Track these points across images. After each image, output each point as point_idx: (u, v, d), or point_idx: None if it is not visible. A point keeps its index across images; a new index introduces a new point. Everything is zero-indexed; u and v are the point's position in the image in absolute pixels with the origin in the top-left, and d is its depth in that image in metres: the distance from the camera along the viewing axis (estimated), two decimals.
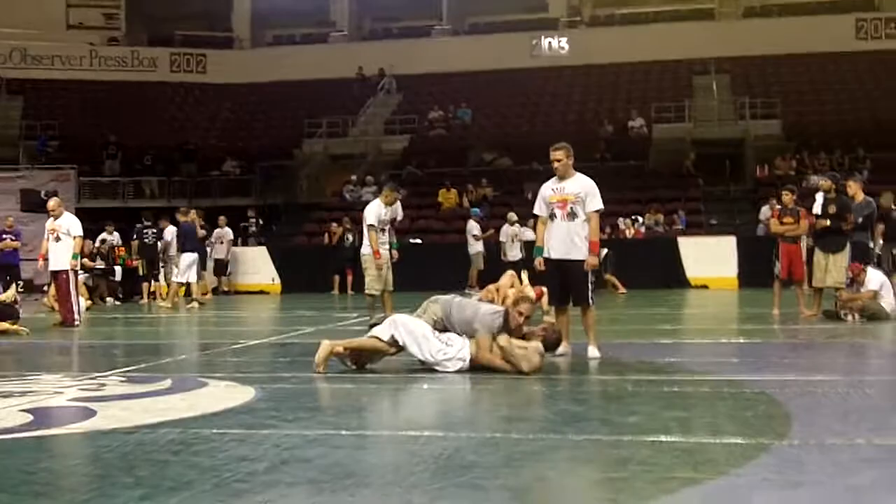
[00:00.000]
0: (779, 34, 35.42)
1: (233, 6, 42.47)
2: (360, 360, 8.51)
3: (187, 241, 20.63)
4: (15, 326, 13.63)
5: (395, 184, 16.20)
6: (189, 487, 4.40)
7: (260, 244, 26.47)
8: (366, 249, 13.41)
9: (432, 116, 35.00)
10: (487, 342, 8.18)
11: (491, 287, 10.51)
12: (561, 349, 9.29)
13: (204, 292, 22.75)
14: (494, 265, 22.32)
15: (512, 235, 23.03)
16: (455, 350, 8.20)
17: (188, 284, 20.61)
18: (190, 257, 20.37)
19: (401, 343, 8.28)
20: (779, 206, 15.22)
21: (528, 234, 22.31)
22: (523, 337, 8.36)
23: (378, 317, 12.61)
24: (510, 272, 11.51)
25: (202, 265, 21.55)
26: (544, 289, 10.40)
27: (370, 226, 13.27)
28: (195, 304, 19.92)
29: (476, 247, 23.77)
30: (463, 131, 34.57)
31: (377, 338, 8.38)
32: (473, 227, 23.98)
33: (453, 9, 41.43)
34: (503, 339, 8.16)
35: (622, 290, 21.38)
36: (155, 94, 38.92)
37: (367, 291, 13.45)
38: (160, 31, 42.27)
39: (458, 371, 8.13)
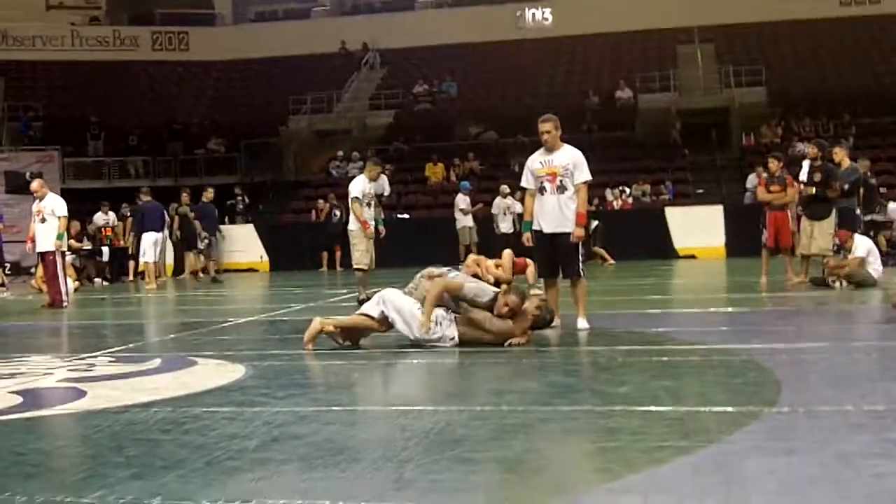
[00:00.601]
0: (763, 2, 35.35)
1: None
2: (352, 336, 8.49)
3: (149, 220, 20.59)
4: None
5: (378, 158, 16.11)
6: (180, 466, 4.40)
7: (247, 222, 26.39)
8: (353, 224, 13.36)
9: (417, 91, 34.89)
10: (454, 284, 8.23)
11: (473, 257, 10.36)
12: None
13: (193, 270, 22.78)
14: (486, 239, 22.36)
15: (504, 208, 23.02)
16: (442, 329, 8.15)
17: (147, 264, 20.36)
18: (152, 237, 20.28)
19: (390, 320, 8.26)
20: (766, 174, 15.22)
21: (519, 207, 22.29)
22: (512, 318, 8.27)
23: (369, 292, 12.60)
24: (508, 252, 11.48)
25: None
26: (529, 260, 10.38)
27: (354, 198, 13.23)
28: (154, 286, 19.69)
29: (463, 221, 23.67)
30: (449, 105, 34.48)
31: (367, 315, 8.34)
32: (461, 200, 23.90)
33: None
34: (480, 314, 8.13)
35: (611, 262, 21.44)
36: (137, 72, 38.72)
37: (356, 266, 13.35)
38: (141, 9, 41.92)
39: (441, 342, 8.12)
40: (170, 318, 14.27)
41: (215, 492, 3.94)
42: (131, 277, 22.23)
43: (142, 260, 20.61)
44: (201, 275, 22.71)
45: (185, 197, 23.13)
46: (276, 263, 25.29)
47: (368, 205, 13.37)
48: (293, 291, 17.45)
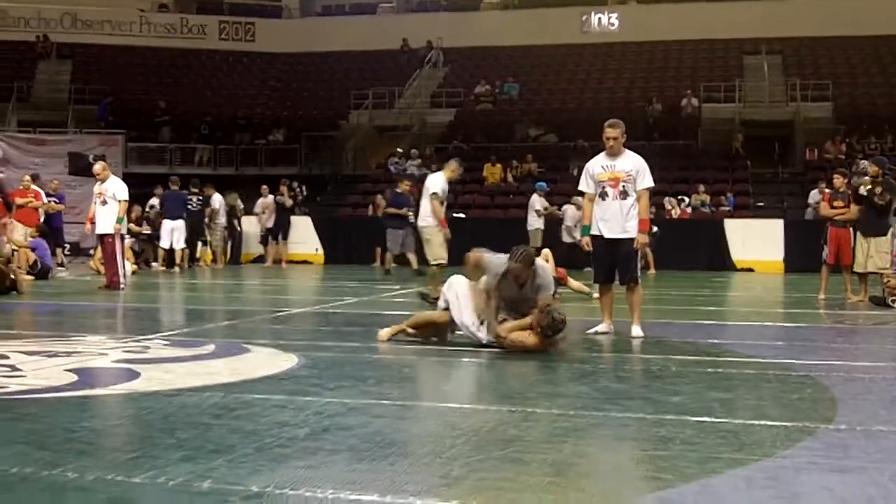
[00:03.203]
0: (832, 15, 34.80)
1: None
2: (426, 334, 8.49)
3: (170, 208, 21.51)
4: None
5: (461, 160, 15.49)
6: (230, 451, 4.42)
7: (305, 214, 26.51)
8: (429, 220, 12.93)
9: (479, 90, 34.83)
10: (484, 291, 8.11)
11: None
12: (604, 327, 9.27)
13: (277, 259, 23.81)
14: (552, 245, 21.94)
15: (577, 220, 22.47)
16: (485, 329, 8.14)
17: (172, 251, 21.40)
18: (170, 224, 21.18)
19: (448, 305, 8.25)
20: (830, 190, 15.00)
21: (573, 211, 22.05)
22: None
23: (427, 288, 12.57)
24: (547, 251, 11.34)
25: (198, 233, 22.58)
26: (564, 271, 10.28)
27: (434, 194, 12.89)
28: (176, 270, 20.92)
29: (536, 223, 22.52)
30: (509, 106, 34.38)
31: (434, 308, 8.43)
32: (536, 201, 22.80)
33: None
34: (503, 329, 8.01)
35: (652, 270, 20.97)
36: (203, 61, 39.08)
37: (435, 261, 12.85)
38: None
39: (489, 344, 8.06)
40: (225, 304, 14.38)
41: (264, 478, 3.96)
42: (187, 264, 22.46)
43: (165, 246, 21.45)
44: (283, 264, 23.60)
45: (283, 188, 24.30)
46: (331, 256, 25.37)
47: (442, 202, 13.12)
48: (347, 285, 17.51)
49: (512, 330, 7.96)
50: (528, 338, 7.87)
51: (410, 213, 19.01)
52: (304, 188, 27.82)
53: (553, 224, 22.59)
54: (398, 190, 21.06)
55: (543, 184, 23.81)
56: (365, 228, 24.85)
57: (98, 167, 15.79)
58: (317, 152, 32.36)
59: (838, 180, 14.36)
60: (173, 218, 21.31)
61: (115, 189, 15.19)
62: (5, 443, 4.60)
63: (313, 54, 38.98)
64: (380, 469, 4.16)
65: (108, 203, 15.11)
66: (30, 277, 15.27)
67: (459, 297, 8.19)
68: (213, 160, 32.49)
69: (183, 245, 21.50)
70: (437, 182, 13.07)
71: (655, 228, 20.29)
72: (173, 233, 21.28)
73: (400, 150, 29.97)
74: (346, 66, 38.07)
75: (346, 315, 11.42)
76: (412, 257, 19.57)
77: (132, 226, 20.47)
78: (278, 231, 24.10)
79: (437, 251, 12.87)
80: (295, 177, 28.66)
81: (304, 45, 39.18)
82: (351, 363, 7.38)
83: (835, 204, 14.19)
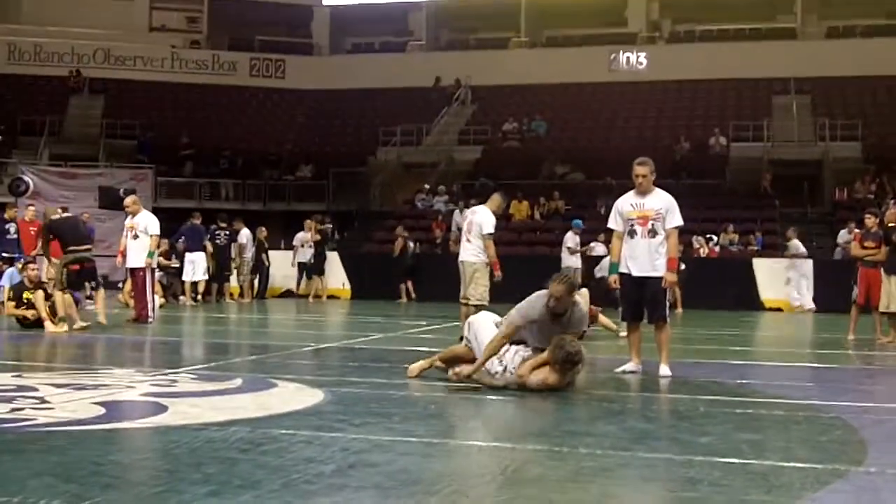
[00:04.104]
0: (861, 55, 34.70)
1: (313, 13, 42.83)
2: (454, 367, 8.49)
3: (192, 240, 22.00)
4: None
5: (503, 191, 14.41)
6: (257, 486, 4.42)
7: (332, 250, 26.60)
8: (479, 257, 12.40)
9: (506, 128, 34.94)
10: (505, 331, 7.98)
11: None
12: (632, 366, 9.21)
13: (317, 294, 24.19)
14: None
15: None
16: (503, 364, 7.93)
17: (195, 283, 21.91)
18: (191, 256, 21.69)
19: (470, 344, 8.25)
20: (860, 230, 14.93)
21: (599, 249, 21.97)
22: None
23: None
24: (585, 291, 11.24)
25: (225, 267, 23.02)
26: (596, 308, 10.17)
27: (489, 234, 12.44)
28: (199, 301, 21.59)
29: (569, 260, 21.88)
30: (536, 144, 34.44)
31: (462, 342, 8.47)
32: (570, 238, 22.36)
33: (531, 21, 41.37)
34: (525, 369, 7.81)
35: (680, 308, 20.80)
36: (233, 97, 39.42)
37: (478, 301, 12.17)
38: (241, 35, 42.81)
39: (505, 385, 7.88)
40: (252, 339, 14.42)
41: None
42: (215, 299, 22.55)
43: (186, 279, 21.79)
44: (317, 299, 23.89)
45: (312, 224, 24.60)
46: (358, 291, 25.42)
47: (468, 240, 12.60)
48: (373, 320, 17.52)
49: (532, 368, 7.79)
50: (550, 376, 7.74)
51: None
52: (333, 224, 27.90)
53: (589, 262, 22.10)
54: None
55: (579, 221, 23.25)
56: (390, 264, 24.90)
57: (129, 201, 15.92)
58: (344, 188, 32.49)
59: (870, 220, 14.30)
60: (192, 251, 21.69)
61: (146, 223, 15.30)
62: (33, 475, 4.62)
63: (342, 91, 39.23)
64: None
65: (140, 237, 15.23)
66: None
67: (479, 338, 8.13)
68: (242, 195, 32.70)
69: (201, 277, 21.82)
70: (489, 220, 12.52)
71: (683, 266, 20.22)
72: (193, 265, 21.66)
73: (427, 186, 30.07)
74: (375, 103, 38.28)
75: (372, 351, 11.42)
76: None
77: (161, 259, 20.58)
78: (318, 267, 24.45)
79: (482, 292, 12.36)
80: (325, 212, 28.78)
81: (333, 82, 39.47)
82: (377, 399, 7.37)
83: (865, 244, 14.13)
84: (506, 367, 7.89)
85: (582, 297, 9.69)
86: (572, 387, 7.93)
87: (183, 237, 22.08)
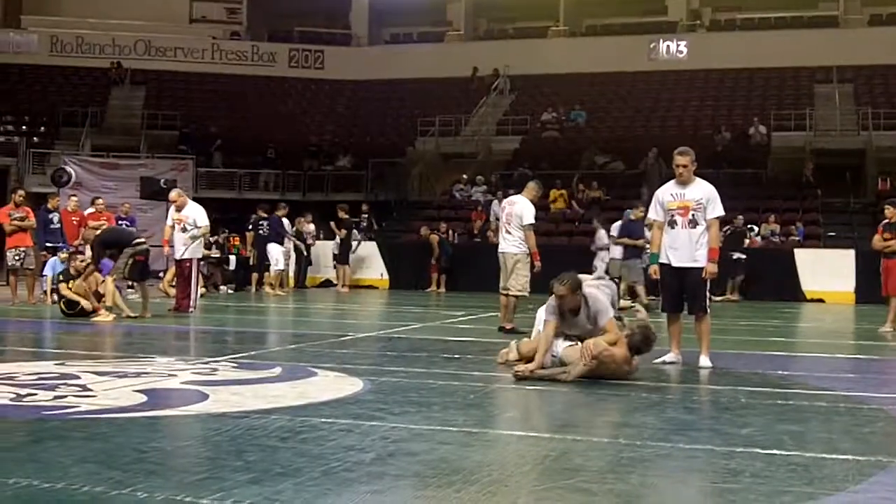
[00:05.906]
0: None
1: (351, 4, 42.95)
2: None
3: (277, 233, 22.61)
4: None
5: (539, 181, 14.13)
6: (297, 474, 4.44)
7: (370, 239, 26.67)
8: (520, 247, 12.47)
9: (545, 118, 34.81)
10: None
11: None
12: (671, 357, 9.16)
13: (344, 284, 24.34)
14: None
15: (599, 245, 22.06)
16: (556, 354, 8.15)
17: (280, 272, 22.60)
18: (279, 248, 22.33)
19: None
20: (884, 221, 14.79)
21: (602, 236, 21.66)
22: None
23: (504, 319, 12.43)
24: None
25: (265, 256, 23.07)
26: None
27: (530, 225, 12.52)
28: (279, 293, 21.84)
29: (615, 252, 20.50)
30: (576, 133, 34.31)
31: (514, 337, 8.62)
32: (604, 236, 21.44)
33: (570, 10, 41.21)
34: (592, 342, 7.86)
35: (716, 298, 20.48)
36: (273, 88, 39.60)
37: (518, 292, 12.37)
38: (280, 26, 43.01)
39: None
40: (292, 328, 14.49)
41: (331, 502, 3.98)
42: (254, 288, 22.68)
43: (274, 268, 22.35)
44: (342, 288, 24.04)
45: (341, 212, 24.80)
46: (396, 282, 25.48)
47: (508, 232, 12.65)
48: (411, 310, 17.55)
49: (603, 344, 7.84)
50: (619, 350, 7.82)
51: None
52: (371, 214, 27.90)
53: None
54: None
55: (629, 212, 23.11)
56: (427, 255, 24.89)
57: (174, 195, 16.04)
58: (383, 178, 32.54)
59: (890, 211, 14.15)
60: (279, 242, 22.43)
61: (195, 216, 15.50)
62: (77, 461, 4.67)
63: (381, 82, 39.31)
64: (445, 496, 4.15)
65: (188, 230, 15.38)
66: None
67: (537, 325, 8.43)
68: (282, 185, 32.85)
69: (283, 267, 22.65)
70: (529, 210, 12.56)
71: (743, 256, 20.50)
72: (282, 255, 22.46)
73: (465, 176, 30.05)
74: (413, 94, 38.31)
75: (411, 340, 11.44)
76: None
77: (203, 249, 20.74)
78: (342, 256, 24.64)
79: (524, 282, 12.42)
80: (363, 202, 28.83)
81: (371, 72, 39.56)
82: (416, 389, 7.38)
83: (885, 236, 14.04)
84: (556, 355, 8.07)
85: (608, 288, 9.54)
86: (631, 374, 7.95)
87: (267, 227, 22.67)
